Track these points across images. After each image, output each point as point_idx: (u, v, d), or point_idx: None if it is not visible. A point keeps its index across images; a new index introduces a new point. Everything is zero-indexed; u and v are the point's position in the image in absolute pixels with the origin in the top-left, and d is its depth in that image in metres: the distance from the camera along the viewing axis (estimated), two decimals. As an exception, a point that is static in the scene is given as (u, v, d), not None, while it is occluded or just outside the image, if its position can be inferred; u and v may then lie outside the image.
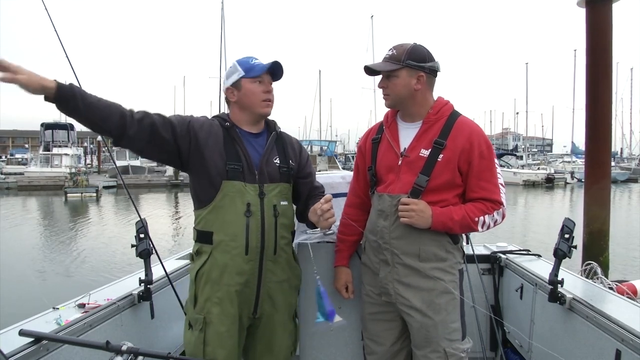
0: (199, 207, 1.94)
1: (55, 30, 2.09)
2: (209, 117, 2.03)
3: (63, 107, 1.65)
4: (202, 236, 1.91)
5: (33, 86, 1.57)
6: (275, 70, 1.98)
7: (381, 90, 2.01)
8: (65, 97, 1.62)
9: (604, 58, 6.68)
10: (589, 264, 4.20)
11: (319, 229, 1.93)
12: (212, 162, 1.88)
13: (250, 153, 1.93)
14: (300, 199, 2.10)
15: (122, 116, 1.75)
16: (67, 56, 2.11)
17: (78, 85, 1.68)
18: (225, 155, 1.89)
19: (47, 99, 1.61)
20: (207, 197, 1.90)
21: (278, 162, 1.99)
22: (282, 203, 1.96)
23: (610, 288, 3.32)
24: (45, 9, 2.06)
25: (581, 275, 3.89)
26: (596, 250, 6.72)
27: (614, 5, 6.64)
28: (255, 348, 2.01)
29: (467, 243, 2.60)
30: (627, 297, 2.53)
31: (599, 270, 4.01)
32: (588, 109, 6.83)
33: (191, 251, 2.02)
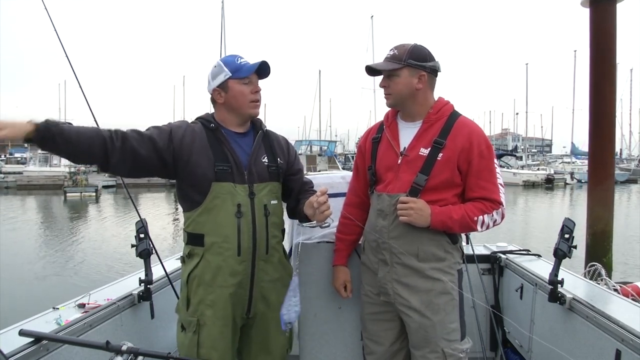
0: (188, 210, 1.92)
1: (55, 30, 2.09)
2: (198, 118, 2.00)
3: (43, 147, 1.65)
4: (193, 238, 1.90)
5: (16, 138, 1.61)
6: (263, 69, 1.94)
7: (382, 90, 2.01)
8: (44, 138, 1.61)
9: (608, 58, 6.67)
10: (593, 265, 4.19)
11: (314, 222, 1.91)
12: (199, 166, 1.85)
13: (238, 153, 1.90)
14: (291, 196, 2.09)
15: (104, 146, 1.71)
16: (67, 56, 2.11)
17: (56, 121, 1.65)
18: (212, 157, 1.86)
19: (27, 140, 1.61)
20: (196, 199, 1.87)
21: (266, 161, 1.97)
22: (272, 202, 1.95)
23: (615, 290, 3.33)
24: (45, 9, 2.07)
25: (585, 276, 3.90)
26: (599, 251, 6.71)
27: (617, 6, 6.63)
28: (250, 348, 2.00)
29: (467, 243, 2.61)
30: (632, 299, 2.53)
31: (603, 271, 4.01)
32: (591, 109, 6.81)
33: (182, 254, 2.00)
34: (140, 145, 1.78)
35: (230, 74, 1.90)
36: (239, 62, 1.91)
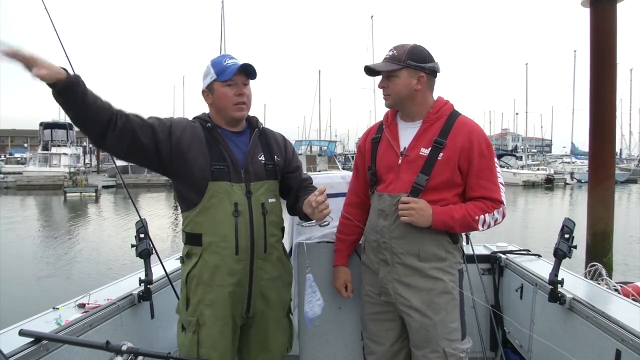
0: (186, 210, 1.92)
1: (55, 30, 2.09)
2: (196, 117, 2.00)
3: (62, 96, 1.62)
4: (191, 238, 1.90)
5: (49, 80, 1.57)
6: (248, 70, 1.91)
7: (381, 90, 2.01)
8: (69, 87, 1.61)
9: (609, 58, 6.64)
10: (594, 265, 4.18)
11: (313, 221, 1.91)
12: (196, 165, 1.85)
13: (234, 152, 1.91)
14: (290, 193, 2.09)
15: (108, 120, 1.71)
16: (67, 56, 2.11)
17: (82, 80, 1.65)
18: (209, 156, 1.86)
19: (52, 84, 1.59)
20: (193, 199, 1.88)
21: (263, 159, 1.97)
22: (270, 200, 1.95)
23: (616, 290, 3.32)
24: (45, 8, 2.06)
25: (586, 276, 3.89)
26: (600, 251, 6.68)
27: (618, 5, 6.61)
28: (250, 347, 2.00)
29: (467, 243, 2.61)
30: (633, 299, 2.53)
31: (603, 271, 4.00)
32: (592, 110, 6.78)
33: (181, 254, 2.00)
34: (141, 130, 1.78)
35: (215, 77, 1.89)
36: (225, 63, 1.90)
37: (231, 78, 1.88)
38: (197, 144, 1.87)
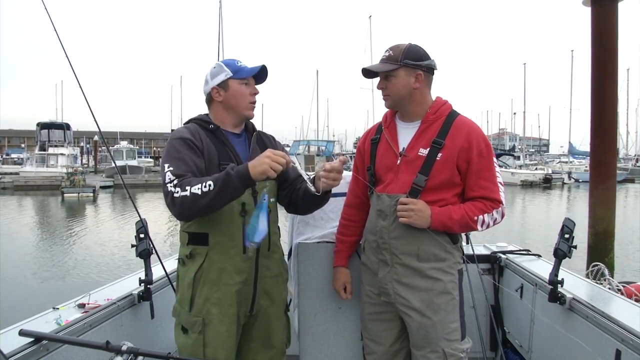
0: None
1: (55, 30, 2.09)
2: (193, 120, 2.01)
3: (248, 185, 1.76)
4: (196, 238, 1.91)
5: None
6: (260, 74, 2.01)
7: (379, 90, 2.02)
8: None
9: (610, 57, 6.60)
10: (596, 265, 4.16)
11: (297, 164, 1.82)
12: (206, 166, 1.87)
13: (239, 153, 1.95)
14: (287, 185, 2.06)
15: None
16: (67, 56, 2.11)
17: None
18: (217, 156, 1.89)
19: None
20: None
21: None
22: (271, 200, 1.99)
23: (619, 290, 3.33)
24: (45, 8, 2.07)
25: (588, 277, 3.88)
26: (602, 251, 6.63)
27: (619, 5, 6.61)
28: (249, 346, 2.01)
29: (467, 243, 2.61)
30: (635, 299, 2.53)
31: (606, 271, 3.98)
32: (593, 109, 6.72)
33: (179, 255, 1.99)
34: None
35: (232, 74, 1.95)
36: (239, 64, 1.98)
37: (247, 77, 1.96)
38: (206, 145, 1.89)
